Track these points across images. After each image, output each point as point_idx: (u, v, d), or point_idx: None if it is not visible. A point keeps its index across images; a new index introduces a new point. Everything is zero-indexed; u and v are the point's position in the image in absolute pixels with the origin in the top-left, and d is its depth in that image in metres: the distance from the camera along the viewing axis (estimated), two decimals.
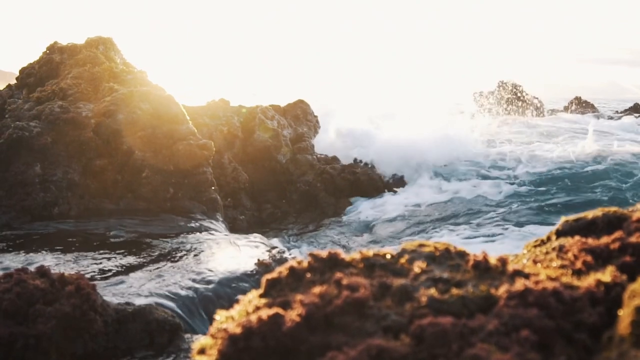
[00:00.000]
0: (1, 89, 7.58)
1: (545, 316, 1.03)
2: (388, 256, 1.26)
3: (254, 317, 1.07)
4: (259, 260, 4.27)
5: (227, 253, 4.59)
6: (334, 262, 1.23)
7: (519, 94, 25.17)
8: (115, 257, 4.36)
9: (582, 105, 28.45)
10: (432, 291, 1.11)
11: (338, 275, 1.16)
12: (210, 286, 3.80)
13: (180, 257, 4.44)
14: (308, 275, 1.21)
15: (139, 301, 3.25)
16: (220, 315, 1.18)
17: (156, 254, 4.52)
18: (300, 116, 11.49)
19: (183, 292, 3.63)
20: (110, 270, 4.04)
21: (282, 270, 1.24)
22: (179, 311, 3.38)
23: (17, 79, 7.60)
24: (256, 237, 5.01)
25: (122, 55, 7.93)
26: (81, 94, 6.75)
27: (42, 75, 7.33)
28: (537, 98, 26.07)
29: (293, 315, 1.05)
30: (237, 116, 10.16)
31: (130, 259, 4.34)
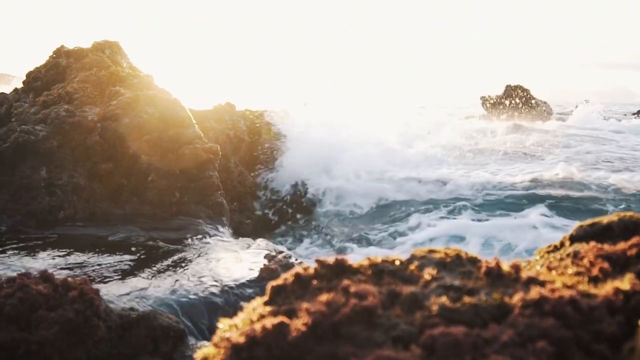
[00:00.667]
0: (1, 91, 7.58)
1: (562, 326, 0.98)
2: (397, 262, 1.22)
3: (258, 326, 1.03)
4: (264, 265, 4.23)
5: (233, 258, 4.55)
6: (341, 269, 1.19)
7: (527, 99, 25.08)
8: (119, 262, 4.34)
9: (589, 109, 28.30)
10: (443, 299, 1.07)
11: (345, 282, 1.12)
12: (215, 292, 3.76)
13: (185, 262, 4.41)
14: (314, 282, 1.17)
15: (143, 307, 3.22)
16: (223, 324, 1.14)
17: (161, 259, 4.48)
18: None
19: (188, 298, 3.59)
20: (114, 275, 4.01)
21: (287, 277, 1.20)
22: (183, 317, 3.34)
23: (23, 82, 7.60)
24: (262, 242, 4.97)
25: (128, 59, 7.93)
26: (87, 97, 6.74)
27: (48, 79, 7.33)
28: (545, 102, 25.98)
29: (299, 324, 1.01)
30: (243, 120, 10.17)
31: (135, 264, 4.31)
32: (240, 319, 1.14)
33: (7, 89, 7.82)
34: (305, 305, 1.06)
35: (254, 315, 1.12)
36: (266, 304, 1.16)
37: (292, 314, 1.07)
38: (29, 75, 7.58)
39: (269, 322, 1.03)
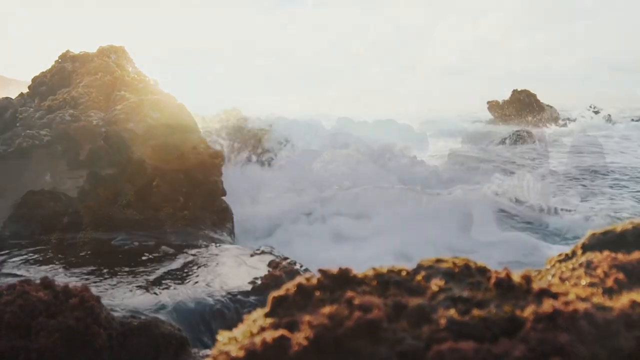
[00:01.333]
0: (5, 96, 7.57)
1: (577, 341, 0.93)
2: (403, 273, 1.18)
3: (258, 340, 0.99)
4: (269, 272, 4.19)
5: (237, 264, 4.51)
6: (345, 280, 1.15)
7: (532, 103, 25.01)
8: (122, 268, 4.30)
9: (596, 114, 28.23)
10: (452, 312, 1.03)
11: (349, 294, 1.07)
12: (219, 299, 3.72)
13: (189, 268, 4.37)
14: (317, 293, 1.13)
15: (145, 314, 3.18)
16: (222, 336, 1.10)
17: (164, 265, 4.45)
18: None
19: (190, 305, 3.55)
20: (117, 282, 3.97)
21: (289, 287, 1.16)
22: (186, 325, 3.30)
23: (29, 87, 7.61)
24: (266, 248, 4.93)
25: (133, 63, 7.92)
26: (92, 102, 6.73)
27: (54, 84, 7.33)
28: (551, 107, 25.89)
29: (300, 338, 0.97)
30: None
31: (138, 270, 4.27)
32: (240, 331, 1.09)
33: (5, 93, 7.81)
34: (307, 317, 1.02)
35: (254, 327, 1.07)
36: (267, 315, 1.11)
37: (293, 326, 1.03)
38: (34, 79, 7.58)
39: (270, 335, 0.98)
